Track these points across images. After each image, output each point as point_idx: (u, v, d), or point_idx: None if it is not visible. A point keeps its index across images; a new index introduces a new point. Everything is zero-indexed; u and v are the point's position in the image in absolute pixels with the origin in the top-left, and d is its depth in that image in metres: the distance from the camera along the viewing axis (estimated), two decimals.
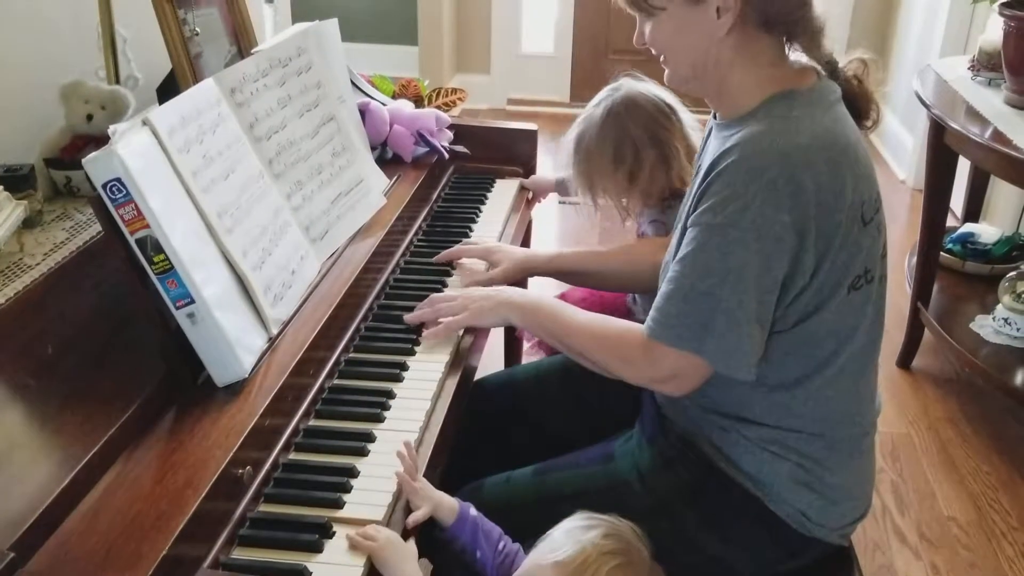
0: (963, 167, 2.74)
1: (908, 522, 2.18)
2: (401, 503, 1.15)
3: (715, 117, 1.32)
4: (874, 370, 1.36)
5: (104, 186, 1.10)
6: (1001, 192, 3.28)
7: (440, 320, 1.45)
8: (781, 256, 1.17)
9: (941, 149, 2.54)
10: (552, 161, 4.41)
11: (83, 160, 1.10)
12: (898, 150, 4.29)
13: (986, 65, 2.65)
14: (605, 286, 1.78)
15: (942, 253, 2.85)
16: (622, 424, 1.48)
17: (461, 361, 1.43)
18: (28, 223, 1.29)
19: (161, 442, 1.08)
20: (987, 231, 2.96)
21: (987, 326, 2.55)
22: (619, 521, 1.11)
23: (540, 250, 1.74)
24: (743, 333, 1.18)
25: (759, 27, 1.21)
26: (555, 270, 1.70)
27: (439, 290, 1.58)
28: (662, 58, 1.29)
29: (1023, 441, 2.47)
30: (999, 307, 2.54)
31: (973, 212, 3.17)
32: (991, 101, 2.49)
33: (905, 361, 2.81)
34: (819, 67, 1.27)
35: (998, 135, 2.27)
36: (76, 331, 1.18)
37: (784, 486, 1.30)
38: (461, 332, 1.47)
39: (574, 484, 1.37)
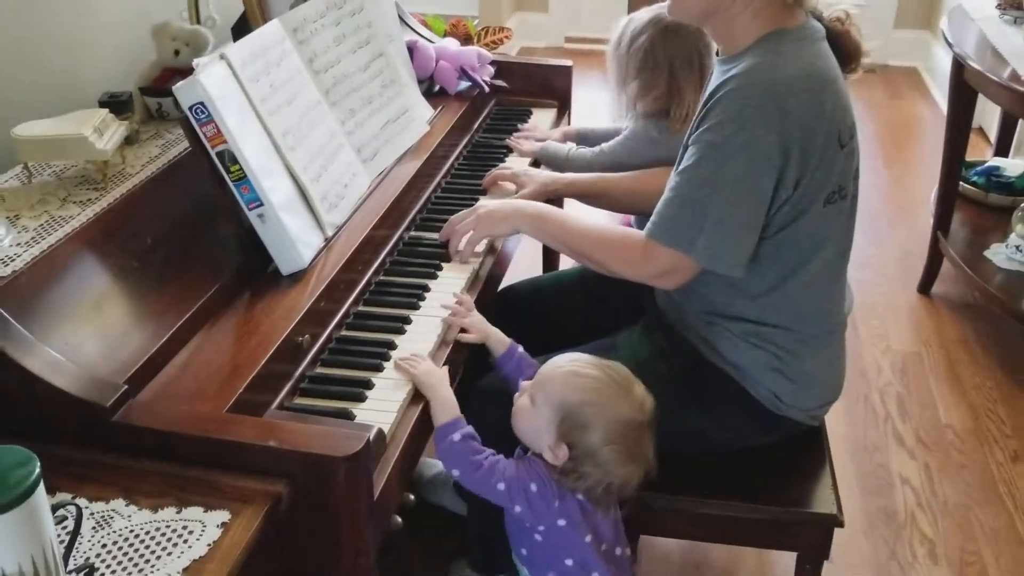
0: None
1: (907, 428, 2.37)
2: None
3: (718, 53, 1.51)
4: (843, 276, 1.56)
5: (190, 108, 1.35)
6: None
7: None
8: (769, 171, 1.36)
9: (961, 85, 2.67)
10: (608, 97, 4.59)
11: (173, 87, 1.36)
12: (947, 87, 4.34)
13: (1012, 4, 2.75)
14: (617, 207, 1.99)
15: (967, 185, 2.98)
16: (627, 323, 1.70)
17: (485, 269, 1.67)
18: (128, 140, 1.55)
19: (238, 315, 1.35)
20: (1012, 165, 3.07)
21: (1000, 253, 2.69)
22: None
23: (561, 175, 1.93)
24: (730, 236, 1.39)
25: None
26: (575, 192, 1.91)
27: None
28: None
29: None
30: (1012, 235, 2.67)
31: (1004, 146, 3.28)
32: (1012, 39, 2.59)
33: (925, 287, 2.96)
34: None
35: (1013, 73, 2.39)
36: (170, 227, 1.44)
37: (760, 371, 1.51)
38: (483, 249, 1.68)
39: None
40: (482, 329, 1.49)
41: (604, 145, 1.96)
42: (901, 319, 2.84)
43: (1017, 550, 2.00)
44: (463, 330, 1.49)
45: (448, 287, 1.58)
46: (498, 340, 1.50)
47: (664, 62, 1.81)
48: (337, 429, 1.13)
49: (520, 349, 1.52)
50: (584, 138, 2.20)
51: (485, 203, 1.70)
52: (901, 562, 1.97)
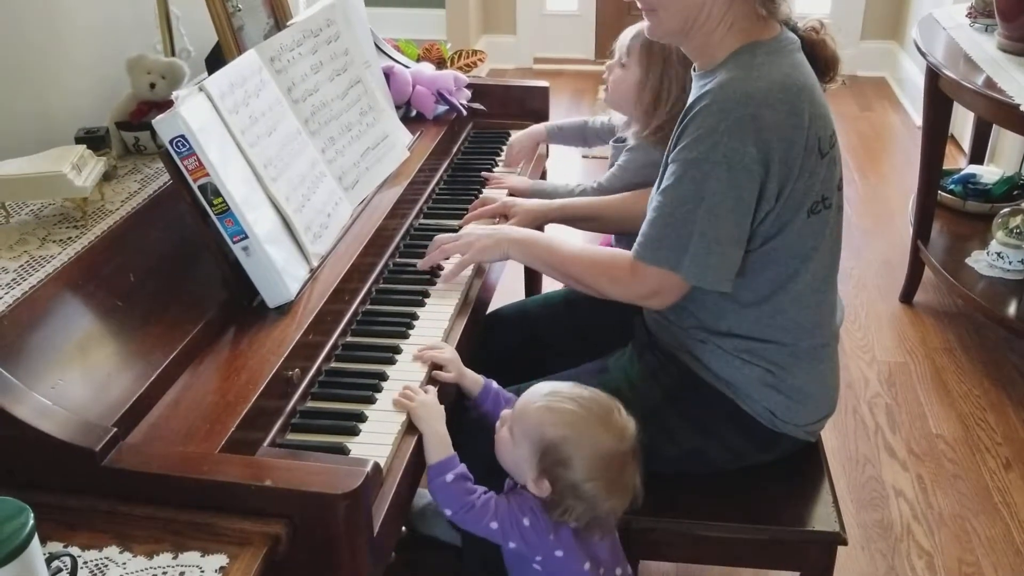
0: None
1: (898, 440, 2.37)
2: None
3: (694, 69, 1.50)
4: (833, 288, 1.55)
5: (171, 142, 1.32)
6: (1007, 134, 3.40)
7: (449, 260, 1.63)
8: (750, 183, 1.36)
9: (936, 94, 2.69)
10: (575, 117, 4.60)
11: (152, 121, 1.34)
12: (915, 97, 4.39)
13: (983, 12, 2.79)
14: (607, 229, 1.97)
15: (944, 194, 3.00)
16: (616, 344, 1.69)
17: (475, 289, 1.65)
18: (106, 176, 1.51)
19: (225, 350, 1.32)
20: (988, 172, 3.11)
21: (981, 261, 2.71)
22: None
23: (550, 201, 1.92)
24: (716, 252, 1.38)
25: None
26: (565, 218, 1.89)
27: (458, 231, 1.80)
28: (651, 10, 1.44)
29: (1015, 368, 2.64)
30: (993, 242, 2.69)
31: (978, 155, 3.31)
32: (984, 47, 2.62)
33: (907, 296, 2.97)
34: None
35: (987, 80, 2.42)
36: (153, 263, 1.41)
37: (753, 388, 1.50)
38: (470, 273, 1.66)
39: None
40: (458, 367, 1.45)
41: (603, 179, 1.92)
42: (885, 329, 2.85)
43: (1015, 559, 1.99)
44: (439, 367, 1.44)
45: (436, 314, 1.56)
46: (472, 380, 1.46)
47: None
48: (334, 466, 1.10)
49: (494, 385, 1.48)
50: (555, 135, 2.18)
51: (472, 228, 1.67)
52: None
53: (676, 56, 1.75)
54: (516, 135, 2.17)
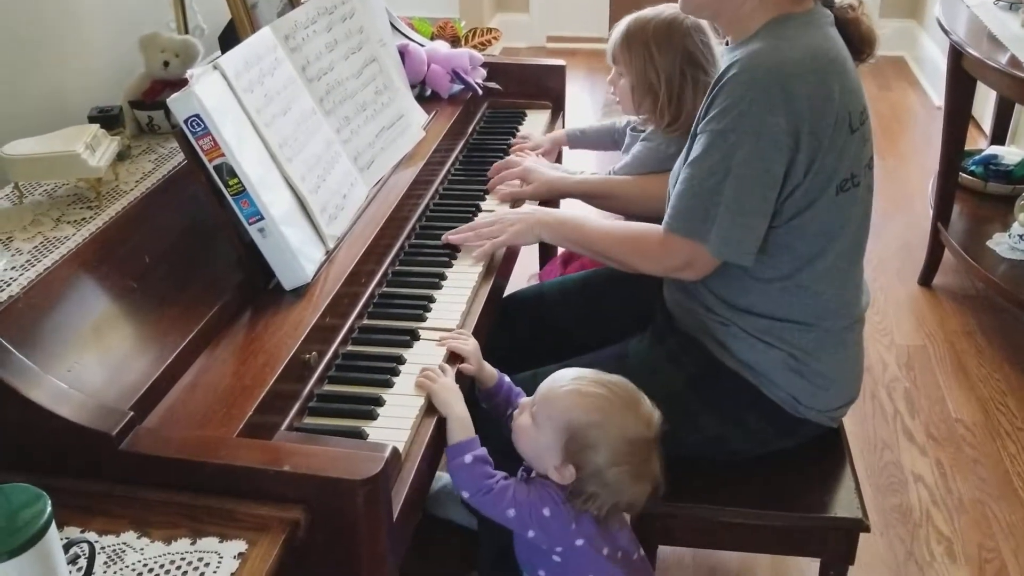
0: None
1: (917, 424, 2.35)
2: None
3: (727, 43, 1.48)
4: (859, 269, 1.52)
5: (186, 121, 1.30)
6: None
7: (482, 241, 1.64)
8: (779, 156, 1.34)
9: (960, 74, 2.64)
10: (590, 96, 4.54)
11: (167, 100, 1.31)
12: (935, 77, 4.34)
13: None
14: (621, 209, 1.94)
15: (965, 175, 2.96)
16: (633, 329, 1.67)
17: (492, 271, 1.63)
18: (120, 156, 1.50)
19: (241, 334, 1.30)
20: (1010, 153, 3.06)
21: (1003, 243, 2.67)
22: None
23: (568, 175, 1.91)
24: (741, 224, 1.37)
25: None
26: (581, 192, 1.88)
27: (474, 212, 1.78)
28: None
29: None
30: (1015, 224, 2.65)
31: (999, 135, 3.26)
32: (1009, 26, 2.57)
33: (926, 279, 2.94)
34: None
35: (1012, 59, 2.37)
36: (168, 244, 1.40)
37: (776, 372, 1.48)
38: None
39: None
40: (478, 359, 1.42)
41: (616, 167, 1.89)
42: (903, 313, 2.81)
43: None
44: (460, 358, 1.41)
45: (453, 297, 1.54)
46: (488, 373, 1.43)
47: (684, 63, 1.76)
48: (353, 451, 1.09)
49: (507, 378, 1.46)
50: (577, 139, 2.14)
51: (506, 212, 1.69)
52: (919, 561, 1.94)
53: (655, 43, 1.73)
54: (537, 136, 2.13)
